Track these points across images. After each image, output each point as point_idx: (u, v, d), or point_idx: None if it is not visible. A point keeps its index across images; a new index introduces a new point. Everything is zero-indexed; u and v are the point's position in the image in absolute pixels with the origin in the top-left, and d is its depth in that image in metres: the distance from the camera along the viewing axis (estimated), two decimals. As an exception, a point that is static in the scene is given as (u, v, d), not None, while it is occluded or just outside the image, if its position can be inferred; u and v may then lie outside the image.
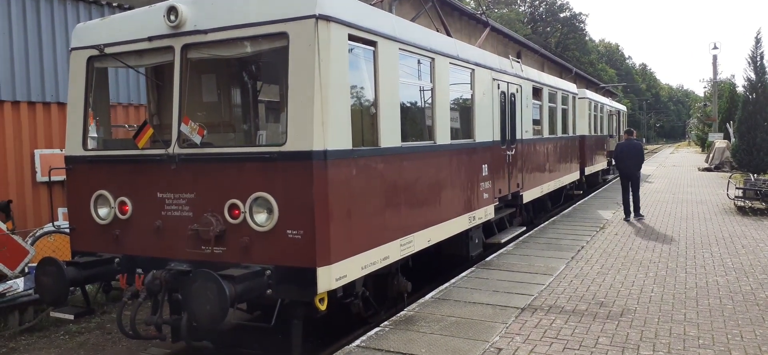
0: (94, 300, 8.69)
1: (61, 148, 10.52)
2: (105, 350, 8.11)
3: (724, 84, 54.30)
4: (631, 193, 14.88)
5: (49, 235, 9.88)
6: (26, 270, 9.30)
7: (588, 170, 21.20)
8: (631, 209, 14.89)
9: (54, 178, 10.15)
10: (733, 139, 32.91)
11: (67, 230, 7.53)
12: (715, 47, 55.22)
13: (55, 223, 10.18)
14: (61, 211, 10.64)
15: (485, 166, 10.36)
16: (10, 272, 9.21)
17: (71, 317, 6.70)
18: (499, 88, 11.23)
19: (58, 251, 9.61)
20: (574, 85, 19.86)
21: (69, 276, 6.27)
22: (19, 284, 8.89)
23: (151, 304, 6.30)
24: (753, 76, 29.83)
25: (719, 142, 36.96)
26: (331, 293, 6.07)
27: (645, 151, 19.36)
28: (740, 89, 40.06)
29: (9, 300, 8.69)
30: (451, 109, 9.06)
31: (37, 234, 9.88)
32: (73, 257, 7.03)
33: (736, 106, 35.69)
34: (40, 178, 10.55)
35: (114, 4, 11.74)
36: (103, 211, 6.83)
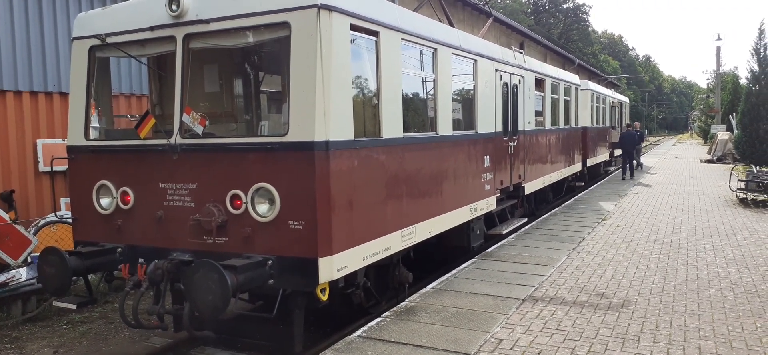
0: (97, 290, 8.73)
1: (63, 138, 10.53)
2: (107, 339, 8.15)
3: (728, 76, 54.24)
4: (628, 163, 23.34)
5: (52, 225, 9.91)
6: (29, 260, 9.33)
7: (590, 162, 21.21)
8: (629, 171, 23.34)
9: (56, 168, 10.18)
10: (735, 131, 32.86)
11: (70, 220, 7.55)
12: (719, 39, 55.37)
13: (58, 213, 10.22)
14: (64, 201, 10.66)
15: (487, 158, 10.35)
16: (13, 262, 9.24)
17: (74, 306, 6.72)
18: (501, 79, 11.20)
19: (61, 241, 9.63)
20: (577, 76, 19.82)
21: (71, 266, 6.29)
22: (21, 274, 8.93)
23: (154, 294, 6.32)
24: (756, 67, 29.78)
25: (722, 133, 36.89)
26: (333, 284, 6.09)
27: (646, 143, 28.53)
28: (743, 81, 40.03)
29: (12, 290, 8.72)
30: (454, 100, 9.04)
31: (40, 224, 9.90)
32: (75, 246, 7.05)
33: (739, 98, 35.65)
34: (42, 168, 10.56)
35: (115, -6, 11.72)
36: (105, 201, 6.84)
